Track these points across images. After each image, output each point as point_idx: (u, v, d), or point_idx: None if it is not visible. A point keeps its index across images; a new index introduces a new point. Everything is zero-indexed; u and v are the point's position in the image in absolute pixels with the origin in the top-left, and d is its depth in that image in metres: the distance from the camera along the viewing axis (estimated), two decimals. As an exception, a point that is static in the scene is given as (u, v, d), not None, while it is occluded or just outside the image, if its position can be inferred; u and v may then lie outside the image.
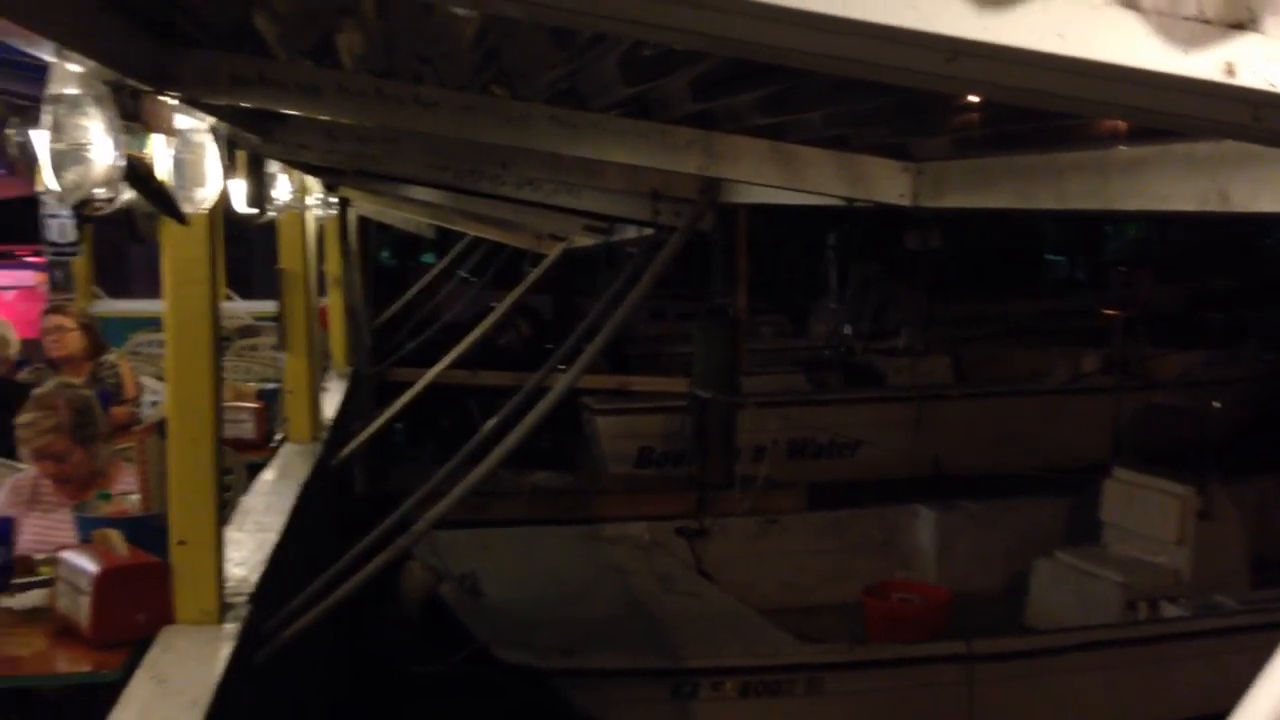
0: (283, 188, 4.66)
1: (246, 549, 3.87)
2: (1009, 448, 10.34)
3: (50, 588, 3.26)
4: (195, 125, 2.71)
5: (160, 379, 7.15)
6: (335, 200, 7.44)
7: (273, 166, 4.39)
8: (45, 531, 3.90)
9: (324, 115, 2.53)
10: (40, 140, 2.38)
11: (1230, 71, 0.98)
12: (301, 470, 5.32)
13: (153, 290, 10.33)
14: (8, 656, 3.06)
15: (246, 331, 8.89)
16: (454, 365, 8.28)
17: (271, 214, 4.74)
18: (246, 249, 9.91)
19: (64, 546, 3.42)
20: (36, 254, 11.91)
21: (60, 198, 1.93)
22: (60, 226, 9.00)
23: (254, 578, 3.62)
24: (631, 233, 5.00)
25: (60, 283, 9.30)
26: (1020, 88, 1.07)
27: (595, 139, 2.59)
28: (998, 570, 8.41)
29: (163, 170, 2.47)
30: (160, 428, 3.35)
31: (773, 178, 2.49)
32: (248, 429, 5.65)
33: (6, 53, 2.42)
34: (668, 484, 9.85)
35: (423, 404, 8.38)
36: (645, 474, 10.50)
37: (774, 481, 9.33)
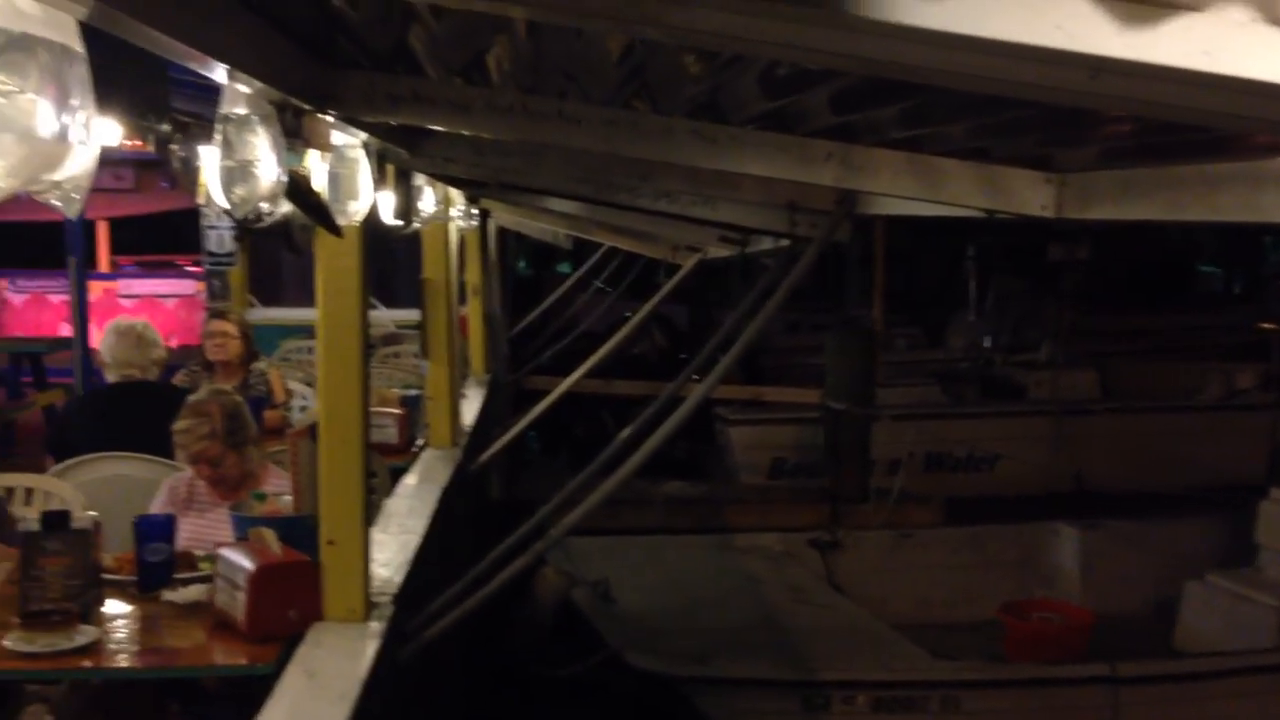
0: (428, 200, 4.81)
1: (390, 550, 4.00)
2: (1156, 465, 9.98)
3: (209, 583, 3.42)
4: (349, 141, 2.83)
5: (309, 384, 7.43)
6: (476, 212, 7.62)
7: (418, 179, 4.54)
8: (201, 530, 4.09)
9: (473, 131, 2.62)
10: (210, 158, 2.52)
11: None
12: (442, 475, 5.47)
13: (302, 299, 10.74)
14: (170, 648, 3.23)
15: (390, 339, 9.17)
16: (589, 374, 8.39)
17: (417, 225, 4.90)
18: (390, 259, 10.23)
19: (219, 544, 3.59)
20: (196, 264, 12.51)
21: (228, 212, 2.05)
22: (218, 237, 9.43)
23: (397, 578, 3.73)
24: (767, 244, 5.01)
25: (218, 291, 9.74)
26: (1166, 104, 1.06)
27: (735, 152, 2.61)
28: (1143, 592, 8.14)
29: (319, 184, 2.59)
30: (312, 432, 3.49)
31: (911, 190, 2.48)
32: (391, 434, 5.84)
33: (173, 72, 2.58)
34: (800, 495, 9.78)
35: (557, 412, 8.51)
36: (778, 485, 10.45)
37: (909, 495, 9.19)
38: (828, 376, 9.62)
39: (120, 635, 3.25)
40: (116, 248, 14.28)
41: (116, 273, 14.03)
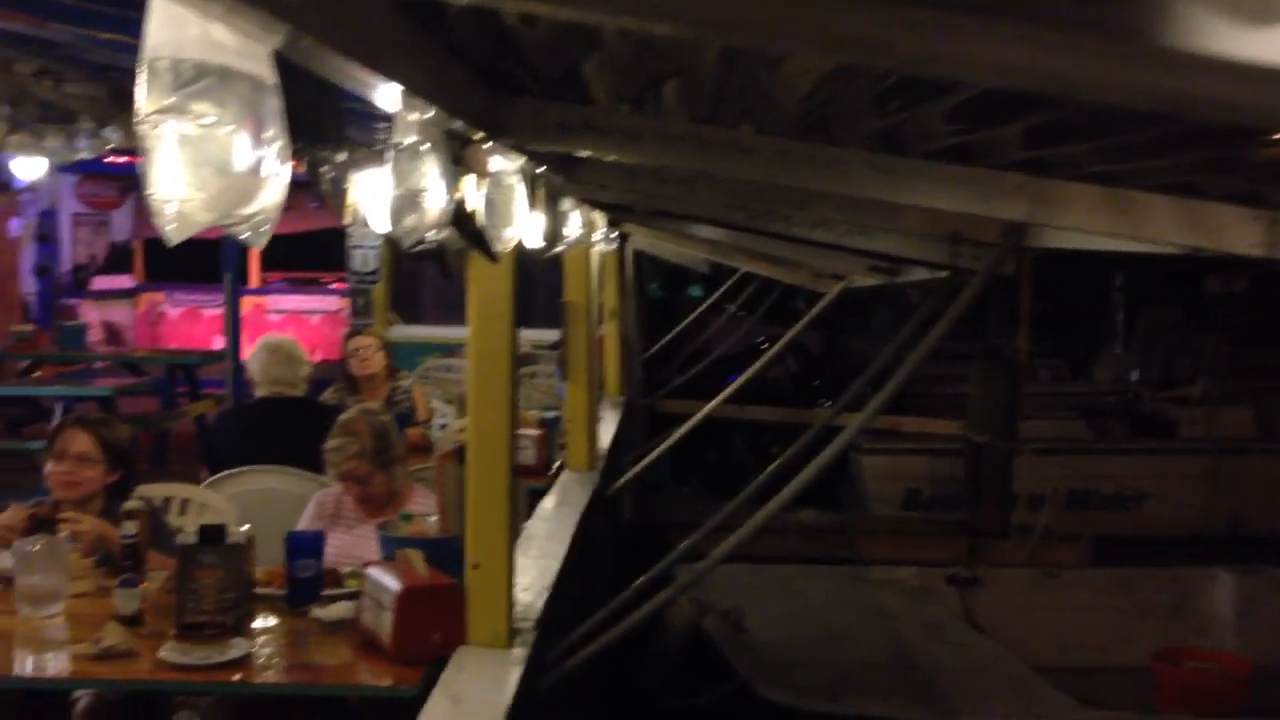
0: (574, 224, 4.81)
1: (531, 574, 3.98)
2: (1324, 510, 9.46)
3: (356, 600, 3.45)
4: (506, 167, 2.82)
5: (449, 402, 7.52)
6: (615, 234, 7.64)
7: (565, 203, 4.54)
8: (347, 546, 4.14)
9: (643, 161, 2.58)
10: (370, 184, 2.53)
11: None
12: (580, 499, 5.45)
13: (442, 317, 10.87)
14: (317, 664, 3.25)
15: (526, 360, 9.25)
16: (724, 401, 8.32)
17: (561, 249, 4.90)
18: (526, 279, 10.34)
19: (366, 562, 3.61)
20: (340, 280, 12.86)
21: (393, 240, 2.04)
22: (363, 256, 9.65)
23: (538, 604, 3.72)
24: (919, 274, 4.88)
25: (361, 309, 9.96)
26: None
27: (914, 184, 2.52)
28: (1308, 644, 7.68)
29: (477, 210, 2.58)
30: (459, 454, 3.49)
31: (1106, 225, 2.34)
32: (529, 455, 5.84)
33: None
34: (936, 528, 9.53)
35: (689, 436, 8.47)
36: (911, 516, 10.22)
37: (1052, 532, 8.88)
38: (970, 407, 9.36)
39: (269, 650, 3.29)
40: (266, 264, 14.78)
41: (266, 288, 14.52)
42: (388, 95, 1.66)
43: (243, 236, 1.27)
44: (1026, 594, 8.59)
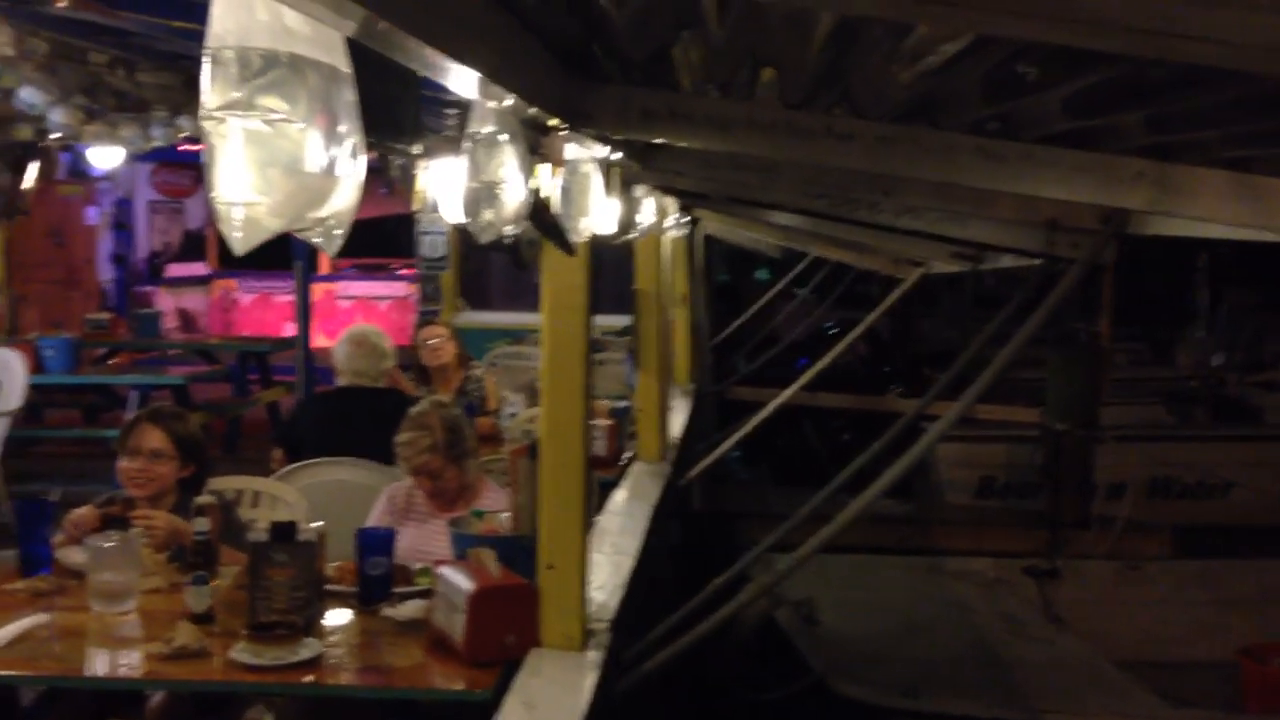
0: (647, 210, 4.70)
1: (605, 572, 3.89)
2: None
3: (427, 599, 3.38)
4: (582, 155, 2.71)
5: (517, 390, 7.46)
6: (686, 219, 7.51)
7: (638, 189, 4.43)
8: (417, 540, 4.08)
9: (732, 149, 2.46)
10: (448, 175, 2.44)
11: None
12: (652, 492, 5.35)
13: (509, 303, 10.83)
14: (388, 666, 3.18)
15: (595, 346, 9.15)
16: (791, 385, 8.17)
17: (633, 236, 4.79)
18: (596, 265, 10.25)
19: (438, 560, 3.54)
20: (409, 267, 12.88)
21: (467, 231, 1.94)
22: (431, 242, 9.63)
23: (613, 603, 3.62)
24: (1006, 261, 4.70)
25: (430, 295, 9.95)
26: None
27: (1025, 171, 2.36)
28: (1406, 642, 7.39)
29: (552, 200, 2.48)
30: (531, 450, 3.40)
31: (1237, 216, 2.17)
32: (600, 446, 5.74)
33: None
34: (1013, 518, 9.32)
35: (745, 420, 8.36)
36: (986, 505, 9.99)
37: (1134, 523, 8.63)
38: (1048, 394, 9.11)
39: (340, 650, 3.23)
40: (336, 250, 14.85)
41: (336, 274, 14.60)
42: (465, 82, 1.56)
43: (314, 241, 1.17)
44: (1107, 587, 8.38)
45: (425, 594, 3.45)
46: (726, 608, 3.63)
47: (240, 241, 1.08)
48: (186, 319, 14.21)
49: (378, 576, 3.52)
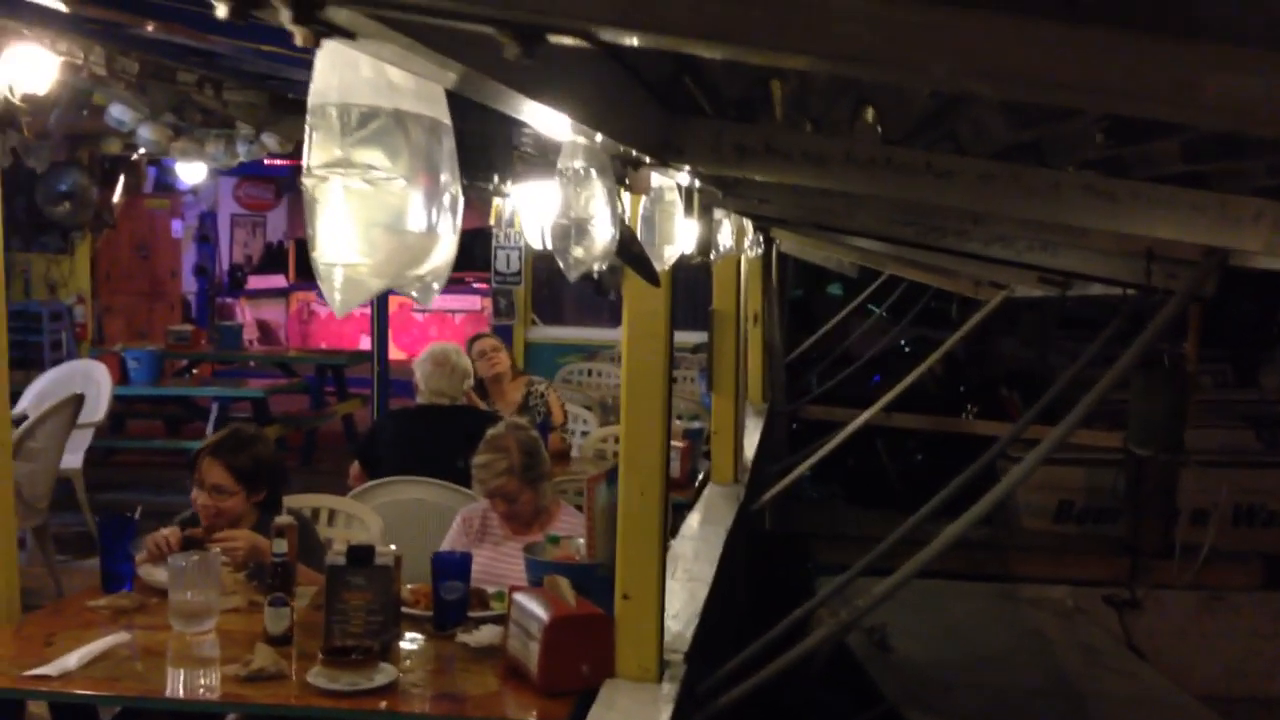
0: (725, 233, 4.66)
1: (679, 600, 3.84)
2: None
3: (502, 625, 3.36)
4: (666, 183, 2.68)
5: (588, 408, 7.45)
6: (762, 239, 7.46)
7: (718, 212, 4.39)
8: (492, 563, 4.07)
9: (830, 185, 2.41)
10: (534, 201, 2.42)
11: None
12: (726, 515, 5.30)
13: (581, 318, 10.86)
14: (463, 694, 3.16)
15: (668, 364, 9.11)
16: (864, 405, 8.06)
17: (713, 258, 4.75)
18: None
19: (513, 585, 3.52)
20: (482, 280, 12.97)
21: (564, 271, 1.92)
22: (506, 257, 9.67)
23: (688, 633, 3.57)
24: (1096, 289, 4.58)
25: (503, 309, 9.99)
26: None
27: (1137, 211, 2.27)
28: None
29: (636, 228, 2.45)
30: (610, 476, 3.37)
31: (1359, 256, 2.09)
32: (674, 468, 5.70)
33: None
34: (1092, 544, 9.10)
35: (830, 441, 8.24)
36: (1063, 530, 9.78)
37: (1218, 551, 8.39)
38: (1131, 417, 8.85)
39: (415, 676, 3.22)
40: (411, 263, 15.01)
41: (411, 288, 14.73)
42: (558, 123, 1.53)
43: (411, 294, 1.14)
44: (1190, 618, 8.15)
45: (500, 619, 3.43)
46: (807, 641, 3.56)
47: (341, 304, 1.06)
48: (266, 331, 14.45)
49: (453, 601, 3.51)
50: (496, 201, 7.70)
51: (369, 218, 1.04)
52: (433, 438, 5.26)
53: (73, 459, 6.93)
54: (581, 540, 3.65)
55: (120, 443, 9.61)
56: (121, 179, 10.29)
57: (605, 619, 3.20)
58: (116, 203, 10.56)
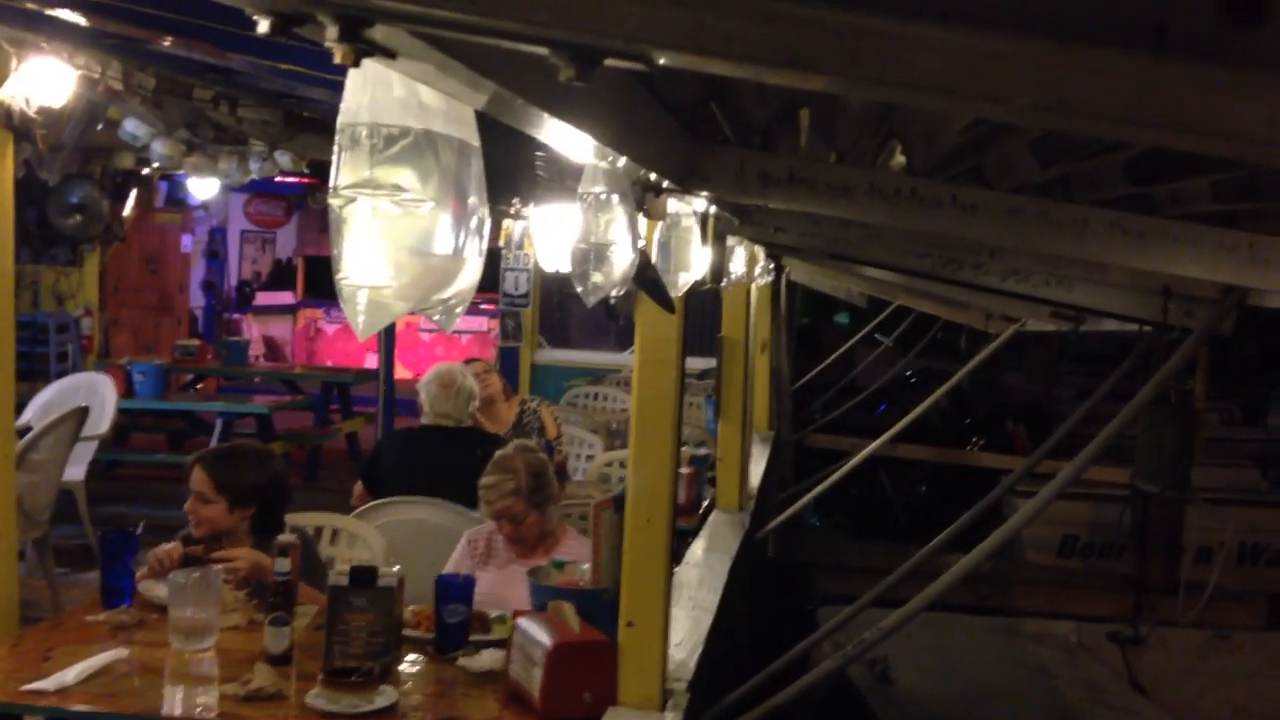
0: (738, 260, 4.65)
1: (683, 628, 3.81)
2: None
3: (504, 650, 3.33)
4: (682, 209, 2.67)
5: (593, 432, 7.43)
6: (773, 266, 7.45)
7: (730, 239, 4.38)
8: (495, 586, 4.04)
9: (853, 216, 2.40)
10: (549, 224, 2.41)
11: None
12: (731, 543, 5.27)
13: (587, 342, 10.86)
14: (462, 718, 3.13)
15: (675, 390, 9.08)
16: (866, 434, 8.04)
17: (725, 285, 4.74)
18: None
19: (515, 610, 3.49)
20: (490, 301, 12.98)
21: (582, 296, 1.90)
22: (515, 279, 9.67)
23: (691, 662, 3.54)
24: (1110, 325, 4.56)
25: (510, 331, 9.98)
26: None
27: (1164, 249, 2.26)
28: None
29: (651, 254, 2.44)
30: (616, 503, 3.35)
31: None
32: (679, 494, 5.68)
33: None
34: (1097, 580, 9.05)
35: (833, 470, 8.22)
36: (1066, 565, 9.73)
37: (1223, 590, 8.33)
38: (1138, 453, 8.82)
39: (415, 699, 3.19)
40: (418, 282, 15.02)
41: (418, 307, 14.74)
42: (580, 145, 1.52)
43: (435, 318, 1.13)
44: (1195, 656, 8.10)
45: (502, 644, 3.40)
46: (812, 674, 3.52)
47: (364, 326, 1.04)
48: (272, 347, 14.45)
49: (456, 624, 3.48)
50: (506, 223, 7.71)
51: (396, 240, 1.03)
52: (437, 459, 5.24)
53: (75, 471, 6.92)
54: (586, 565, 3.62)
55: (123, 456, 9.59)
56: (133, 193, 10.31)
57: (609, 646, 3.17)
58: (127, 216, 10.57)
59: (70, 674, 3.06)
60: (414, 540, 4.64)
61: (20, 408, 6.23)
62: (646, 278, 2.14)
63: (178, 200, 12.25)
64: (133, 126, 5.18)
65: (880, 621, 7.37)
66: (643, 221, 2.41)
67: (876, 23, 0.87)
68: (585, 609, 3.27)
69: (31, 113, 4.29)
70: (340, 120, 1.04)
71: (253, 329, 14.11)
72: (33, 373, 9.13)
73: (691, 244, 2.63)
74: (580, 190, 1.81)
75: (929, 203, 2.28)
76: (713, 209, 2.73)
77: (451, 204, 1.07)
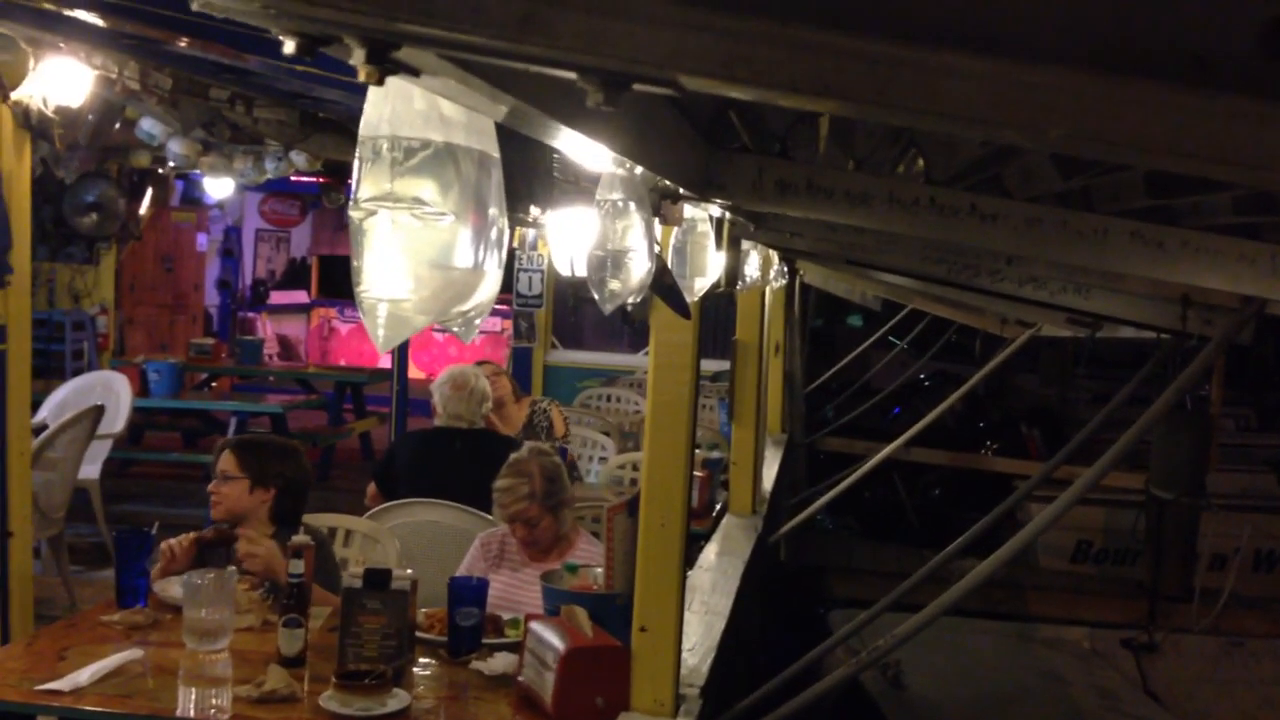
0: (752, 264, 4.64)
1: (696, 633, 3.80)
2: None
3: (517, 654, 3.32)
4: (698, 214, 2.66)
5: (606, 434, 7.42)
6: (787, 270, 7.43)
7: (745, 243, 4.37)
8: (508, 589, 4.04)
9: (871, 225, 2.39)
10: (565, 229, 2.40)
11: None
12: (743, 547, 5.25)
13: (599, 343, 10.86)
14: (475, 721, 3.13)
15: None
16: (879, 438, 8.02)
17: (739, 288, 4.73)
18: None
19: (528, 614, 3.49)
20: (503, 303, 13.00)
21: (600, 303, 1.89)
22: (528, 280, 9.68)
23: (704, 667, 3.53)
24: (1127, 332, 4.54)
25: (524, 332, 9.98)
26: None
27: (1185, 260, 2.24)
28: None
29: (667, 260, 2.43)
30: (630, 507, 3.34)
31: None
32: (692, 497, 5.66)
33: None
34: (1111, 586, 9.01)
35: (846, 474, 8.20)
36: (1080, 570, 9.69)
37: (1238, 597, 8.29)
38: (1153, 459, 8.78)
39: (428, 703, 3.18)
40: (432, 283, 15.05)
41: (431, 307, 14.76)
42: (597, 154, 1.51)
43: (453, 330, 1.12)
44: (1209, 664, 8.05)
45: (514, 647, 3.40)
46: (826, 680, 3.51)
47: (384, 340, 1.04)
48: (286, 346, 14.48)
49: (469, 628, 3.47)
50: (519, 229, 7.71)
51: (417, 253, 1.02)
52: (450, 461, 5.24)
53: (90, 470, 6.94)
54: (600, 570, 3.61)
55: (137, 454, 9.62)
56: (149, 192, 10.34)
57: (622, 651, 3.16)
58: (143, 215, 10.61)
59: (84, 674, 3.06)
60: (426, 542, 4.64)
61: (36, 406, 6.26)
62: (663, 284, 2.13)
63: (193, 199, 12.29)
64: (149, 126, 5.19)
65: (894, 627, 7.37)
66: (659, 227, 2.41)
67: (909, 52, 0.86)
68: (598, 613, 3.26)
69: (49, 112, 4.31)
70: (361, 133, 1.03)
71: (267, 328, 14.15)
72: (48, 370, 9.17)
73: (707, 249, 2.63)
74: (598, 197, 1.81)
75: (948, 212, 2.26)
76: (728, 214, 2.72)
77: (472, 217, 1.07)
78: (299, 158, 5.74)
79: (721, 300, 6.02)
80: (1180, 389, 3.09)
